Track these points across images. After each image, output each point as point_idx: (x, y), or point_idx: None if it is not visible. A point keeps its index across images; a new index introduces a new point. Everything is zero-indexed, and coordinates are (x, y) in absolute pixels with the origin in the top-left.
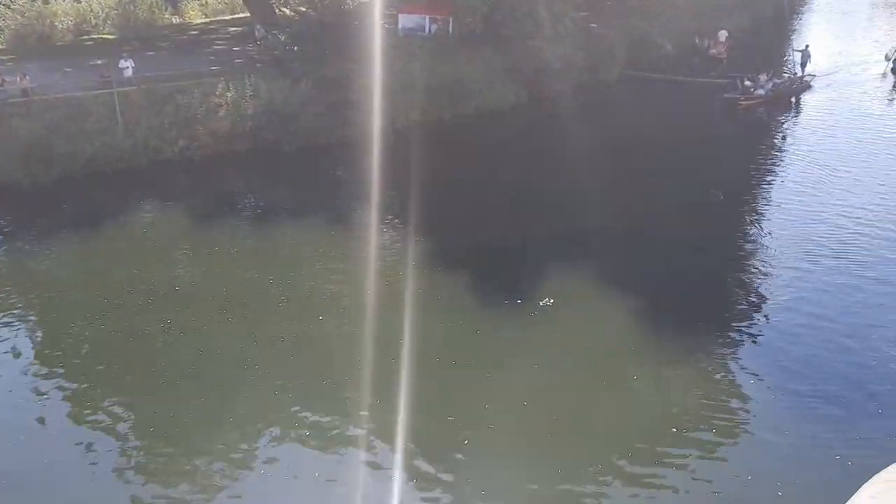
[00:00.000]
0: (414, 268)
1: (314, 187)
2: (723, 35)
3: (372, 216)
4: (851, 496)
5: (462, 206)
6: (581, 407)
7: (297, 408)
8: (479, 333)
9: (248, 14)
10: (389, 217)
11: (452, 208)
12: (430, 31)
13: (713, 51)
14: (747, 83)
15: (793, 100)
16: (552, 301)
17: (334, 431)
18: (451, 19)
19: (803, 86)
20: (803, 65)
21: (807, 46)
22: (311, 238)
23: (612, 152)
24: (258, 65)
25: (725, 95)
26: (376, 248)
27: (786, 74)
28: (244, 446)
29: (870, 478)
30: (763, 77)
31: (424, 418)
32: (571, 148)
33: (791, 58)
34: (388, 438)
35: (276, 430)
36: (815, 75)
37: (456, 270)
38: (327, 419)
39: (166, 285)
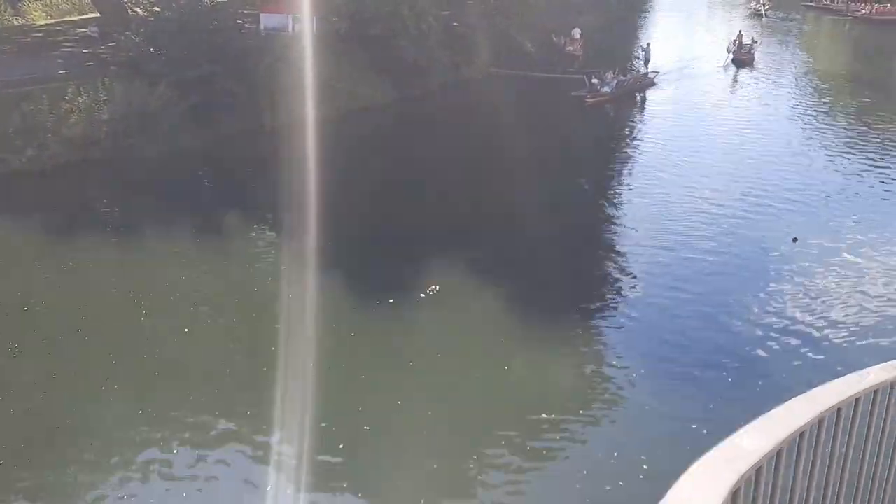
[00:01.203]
0: (287, 270)
1: (178, 193)
2: (576, 33)
3: (241, 221)
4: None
5: (335, 205)
6: (456, 398)
7: (164, 427)
8: (354, 334)
9: (98, 14)
10: (259, 220)
11: (324, 208)
12: (293, 30)
13: (569, 48)
14: (594, 81)
15: (638, 96)
16: (437, 288)
17: (203, 451)
18: (314, 18)
19: (647, 82)
20: (646, 62)
21: (648, 45)
22: (177, 247)
23: (479, 147)
24: (112, 67)
25: (573, 94)
26: (247, 254)
27: (629, 73)
28: (105, 475)
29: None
30: (609, 75)
31: (297, 428)
32: (440, 145)
33: (637, 55)
34: (261, 450)
35: (142, 453)
36: (658, 72)
37: (332, 269)
38: (197, 438)
39: (14, 305)
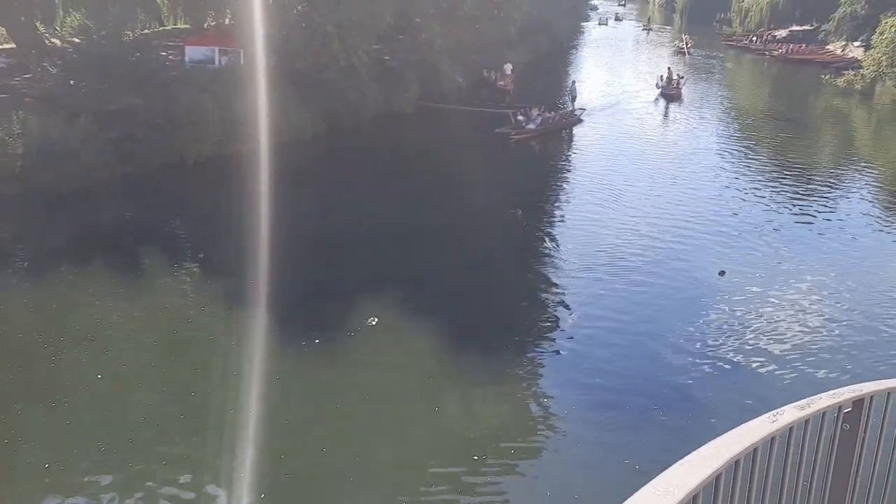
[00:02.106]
0: (215, 308)
1: (98, 230)
2: (508, 68)
3: (166, 258)
4: None
5: (266, 239)
6: (391, 435)
7: (76, 481)
8: (288, 371)
9: (14, 45)
10: (185, 258)
11: (254, 243)
12: (219, 62)
13: (500, 83)
14: (519, 118)
15: (565, 132)
16: (376, 320)
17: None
18: (241, 51)
19: (573, 119)
20: (573, 99)
21: (573, 82)
22: (96, 286)
23: (410, 181)
24: (27, 100)
25: (496, 130)
26: (173, 293)
27: (555, 110)
28: None
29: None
30: (535, 112)
31: (225, 476)
32: (370, 178)
33: (564, 92)
34: (185, 499)
35: None
36: (584, 109)
37: (263, 304)
38: (111, 491)
39: None
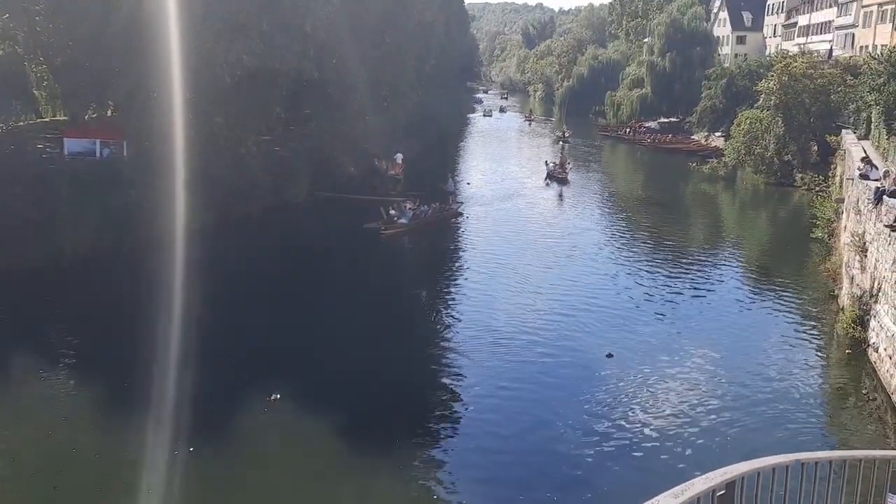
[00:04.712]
0: (86, 414)
1: None
2: (398, 157)
3: (32, 364)
4: None
5: (147, 338)
6: None
7: None
8: (157, 486)
9: None
10: (54, 362)
11: (134, 342)
12: (101, 155)
13: (391, 172)
14: (392, 212)
15: (444, 224)
16: (278, 396)
17: None
18: (124, 142)
19: (451, 212)
20: (452, 192)
21: (452, 175)
22: None
23: (298, 271)
24: None
25: (365, 226)
26: (37, 401)
27: (432, 203)
28: None
29: None
30: (408, 205)
31: None
32: (258, 269)
33: (444, 184)
34: None
35: None
36: (462, 202)
37: (142, 407)
38: None
39: None
